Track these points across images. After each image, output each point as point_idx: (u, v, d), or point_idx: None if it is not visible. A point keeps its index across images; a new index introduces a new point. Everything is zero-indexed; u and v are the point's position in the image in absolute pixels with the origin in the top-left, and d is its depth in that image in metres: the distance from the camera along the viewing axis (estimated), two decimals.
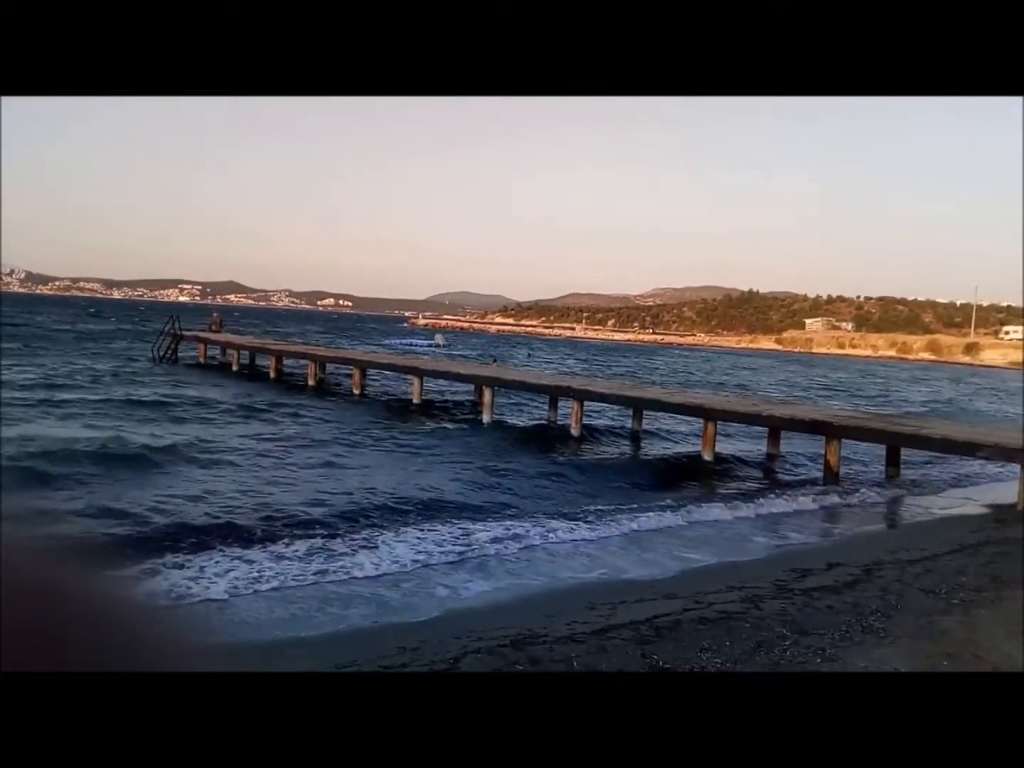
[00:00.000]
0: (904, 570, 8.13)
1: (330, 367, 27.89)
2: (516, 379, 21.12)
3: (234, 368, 30.27)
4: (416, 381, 22.06)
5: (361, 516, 10.39)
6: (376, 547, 9.01)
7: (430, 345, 63.84)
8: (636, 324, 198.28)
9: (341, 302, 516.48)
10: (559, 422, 20.02)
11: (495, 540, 9.67)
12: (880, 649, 5.65)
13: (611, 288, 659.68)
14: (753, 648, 5.64)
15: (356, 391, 24.10)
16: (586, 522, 10.77)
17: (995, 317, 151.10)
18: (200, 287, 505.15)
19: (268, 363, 28.72)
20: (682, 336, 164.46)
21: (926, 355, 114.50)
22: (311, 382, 25.87)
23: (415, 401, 21.79)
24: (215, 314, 41.38)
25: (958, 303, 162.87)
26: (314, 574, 7.98)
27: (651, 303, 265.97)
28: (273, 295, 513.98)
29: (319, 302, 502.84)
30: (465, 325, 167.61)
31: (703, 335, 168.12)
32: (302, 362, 28.01)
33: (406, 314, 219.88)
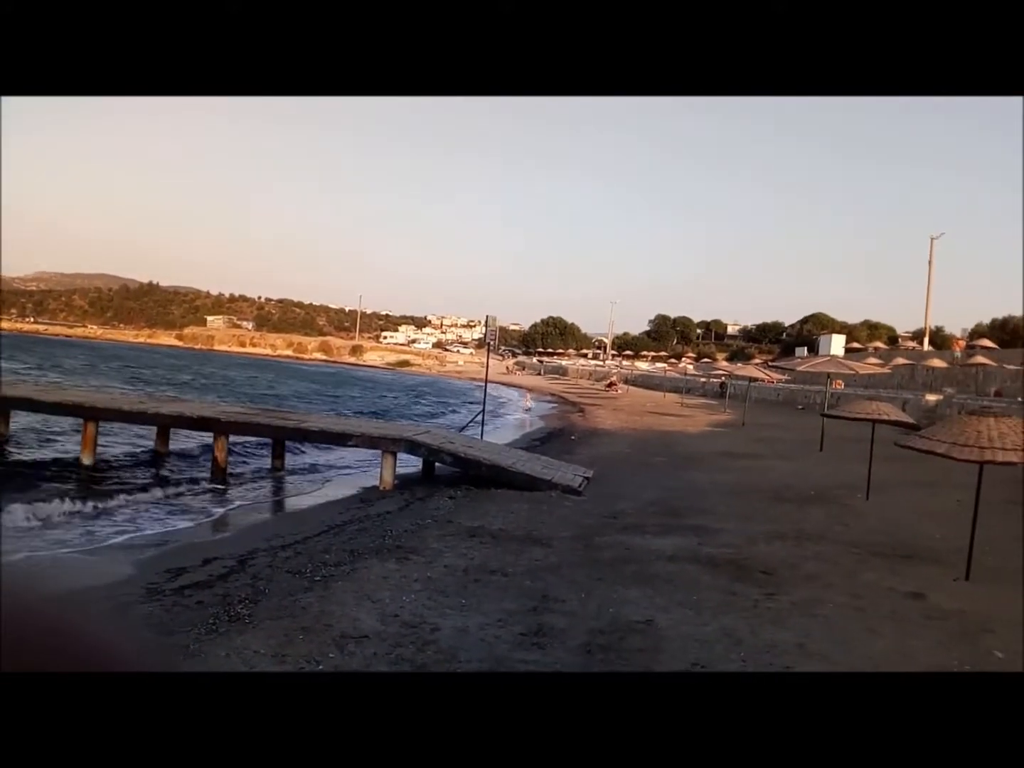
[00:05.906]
0: (276, 555, 8.59)
1: None
2: None
3: None
4: None
5: None
6: None
7: None
8: (14, 311, 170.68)
9: None
10: None
11: None
12: (243, 636, 5.82)
13: None
14: None
15: None
16: None
17: (377, 323, 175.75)
18: None
19: None
20: (71, 327, 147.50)
21: (319, 355, 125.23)
22: None
23: None
24: None
25: (347, 309, 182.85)
26: None
27: (34, 287, 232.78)
28: None
29: None
30: None
31: (96, 327, 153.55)
32: None
33: None
